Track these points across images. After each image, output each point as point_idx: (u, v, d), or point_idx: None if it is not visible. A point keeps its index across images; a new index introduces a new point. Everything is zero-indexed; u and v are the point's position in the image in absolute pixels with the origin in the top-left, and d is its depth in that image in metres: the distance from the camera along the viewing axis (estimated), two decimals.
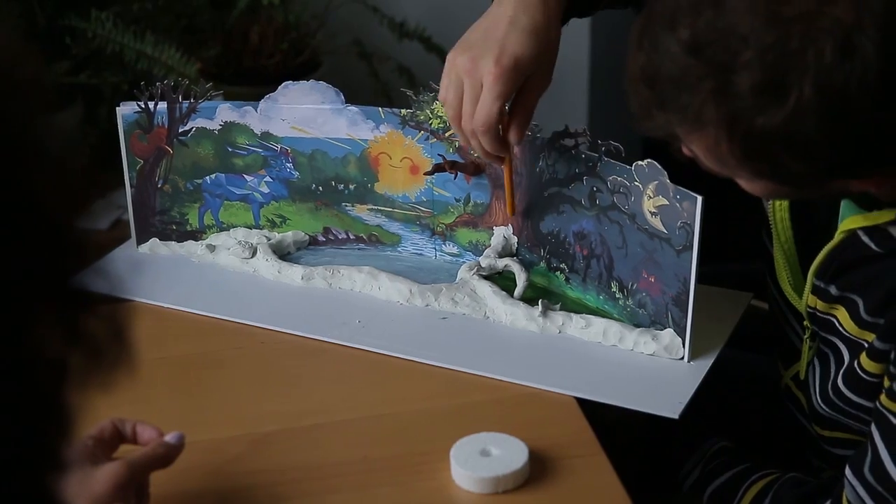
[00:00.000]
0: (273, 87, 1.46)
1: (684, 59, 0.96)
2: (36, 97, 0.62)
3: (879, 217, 1.11)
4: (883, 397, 1.11)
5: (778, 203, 1.25)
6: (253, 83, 2.13)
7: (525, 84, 1.23)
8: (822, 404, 1.22)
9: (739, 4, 0.94)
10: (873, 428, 1.12)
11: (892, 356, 1.11)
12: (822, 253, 1.17)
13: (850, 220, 1.14)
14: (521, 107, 1.24)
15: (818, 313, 1.20)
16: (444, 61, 2.28)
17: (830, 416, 1.22)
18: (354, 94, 1.48)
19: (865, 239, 1.12)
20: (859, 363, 1.15)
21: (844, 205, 1.16)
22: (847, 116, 0.93)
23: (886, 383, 1.12)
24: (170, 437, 1.05)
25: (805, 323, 1.24)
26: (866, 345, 1.15)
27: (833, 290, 1.17)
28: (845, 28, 0.91)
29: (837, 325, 1.18)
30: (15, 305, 0.58)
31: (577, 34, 2.52)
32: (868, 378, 1.14)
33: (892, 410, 1.10)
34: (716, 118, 0.97)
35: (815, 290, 1.19)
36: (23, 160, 0.59)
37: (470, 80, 1.22)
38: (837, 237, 1.15)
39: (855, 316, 1.16)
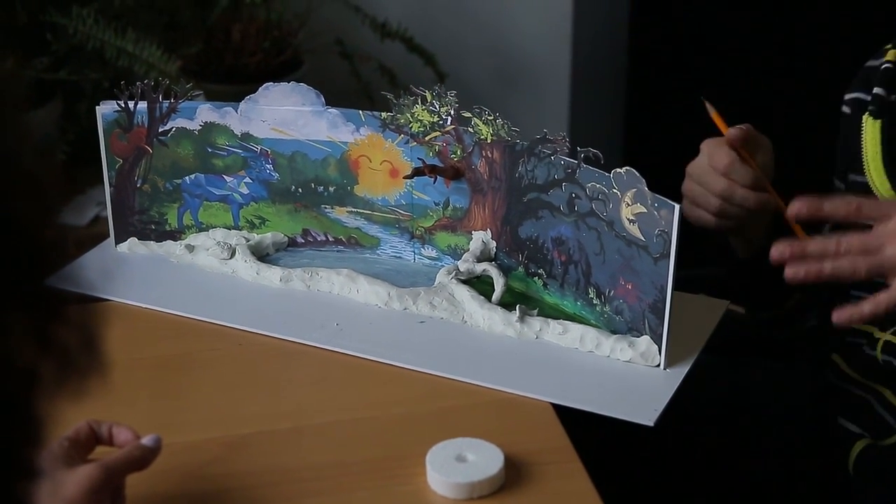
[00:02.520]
0: (254, 85, 1.46)
1: None
2: (6, 101, 0.62)
3: None
4: None
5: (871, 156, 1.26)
6: (234, 81, 2.14)
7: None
8: None
9: None
10: None
11: None
12: None
13: None
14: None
15: None
16: (426, 62, 2.30)
17: None
18: (336, 94, 1.49)
19: None
20: None
21: None
22: None
23: None
24: (146, 440, 1.05)
25: None
26: None
27: None
28: None
29: None
30: None
31: (559, 40, 2.53)
32: None
33: None
34: None
35: None
36: None
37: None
38: None
39: None
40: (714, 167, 1.27)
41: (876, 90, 1.34)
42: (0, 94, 0.63)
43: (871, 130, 1.31)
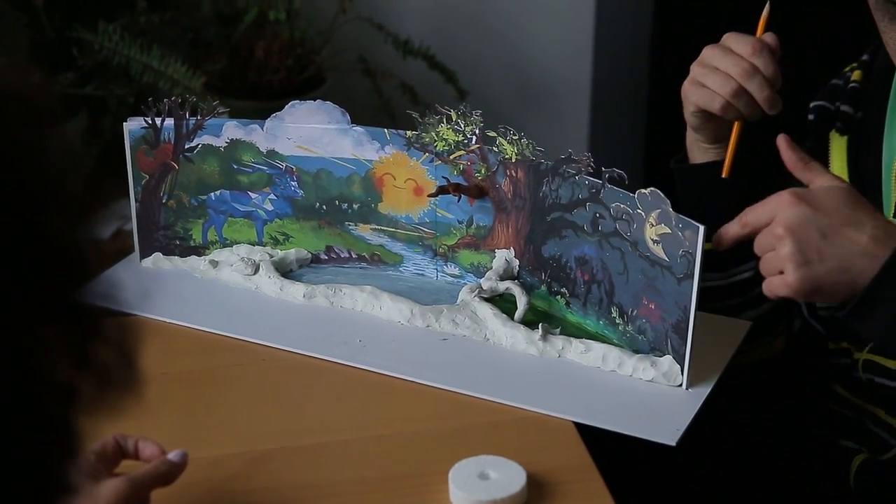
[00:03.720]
0: (277, 102, 1.48)
1: None
2: (39, 116, 0.63)
3: None
4: None
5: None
6: (257, 98, 2.15)
7: None
8: None
9: None
10: None
11: None
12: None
13: None
14: None
15: None
16: (447, 79, 2.31)
17: None
18: (357, 111, 1.50)
19: None
20: None
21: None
22: None
23: None
24: (172, 455, 1.06)
25: None
26: None
27: None
28: None
29: None
30: (20, 328, 0.59)
31: (580, 58, 2.54)
32: None
33: None
34: None
35: None
36: (24, 183, 0.60)
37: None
38: None
39: None
40: (738, 51, 1.25)
41: (843, 108, 1.34)
42: (35, 109, 0.64)
43: (837, 147, 1.31)
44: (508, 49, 2.51)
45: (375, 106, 2.28)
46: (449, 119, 1.40)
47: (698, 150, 1.35)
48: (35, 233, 0.60)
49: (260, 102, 2.11)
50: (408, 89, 2.33)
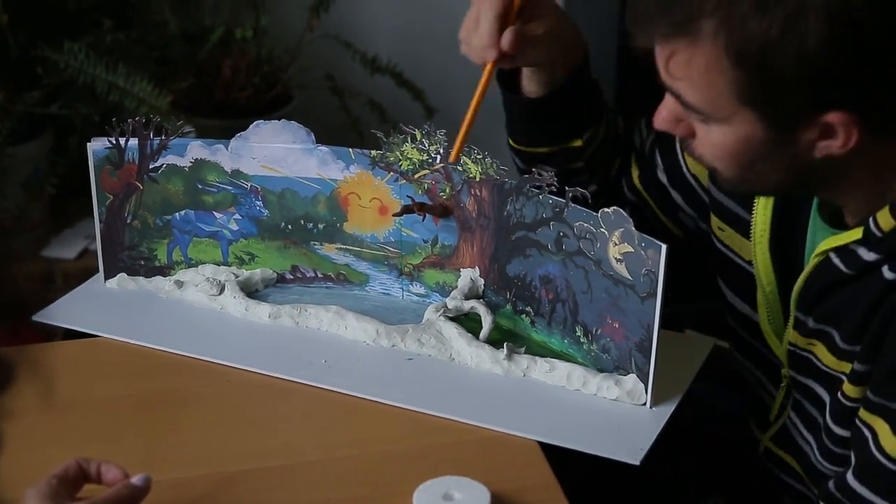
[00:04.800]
0: (244, 120, 1.47)
1: None
2: None
3: (848, 237, 1.13)
4: (860, 410, 1.14)
5: (758, 237, 1.26)
6: (224, 116, 2.16)
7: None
8: (823, 461, 1.23)
9: None
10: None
11: (872, 372, 1.13)
12: (800, 281, 1.20)
13: (825, 243, 1.16)
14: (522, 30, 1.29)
15: (798, 350, 1.22)
16: (415, 97, 2.31)
17: (835, 472, 1.22)
18: (325, 129, 1.50)
19: (836, 261, 1.15)
20: (843, 393, 1.17)
21: (818, 229, 1.18)
22: (847, 18, 0.96)
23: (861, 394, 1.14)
24: (136, 479, 1.05)
25: (783, 371, 1.26)
26: (843, 377, 1.16)
27: (811, 322, 1.19)
28: None
29: (815, 360, 1.20)
30: None
31: None
32: (853, 405, 1.16)
33: (864, 420, 1.12)
34: (713, 23, 1.00)
35: (797, 324, 1.21)
36: None
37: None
38: (812, 262, 1.18)
39: (832, 348, 1.17)
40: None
41: None
42: None
43: (763, 202, 1.28)
44: (476, 67, 2.52)
45: (343, 124, 2.29)
46: (413, 138, 1.41)
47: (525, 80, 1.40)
48: None
49: (227, 121, 2.12)
50: (376, 107, 2.34)
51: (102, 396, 1.32)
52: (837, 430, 1.19)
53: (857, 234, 1.12)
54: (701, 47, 1.03)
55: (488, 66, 1.32)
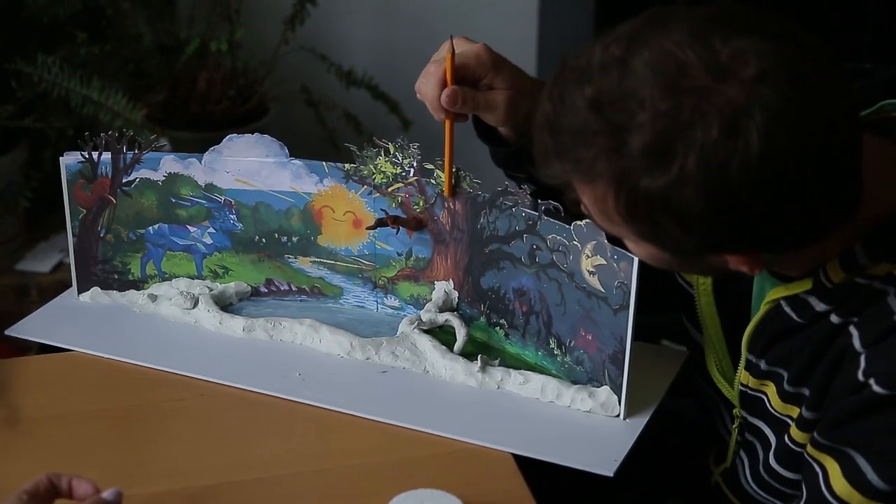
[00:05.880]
0: (220, 132, 1.47)
1: (585, 114, 1.00)
2: None
3: (798, 287, 1.14)
4: (808, 447, 1.14)
5: (701, 286, 1.27)
6: (200, 129, 2.15)
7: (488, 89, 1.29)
8: (756, 488, 1.25)
9: (643, 71, 0.98)
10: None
11: (820, 417, 1.13)
12: (751, 325, 1.20)
13: (774, 292, 1.17)
14: (472, 90, 1.29)
15: (749, 391, 1.23)
16: (391, 109, 2.32)
17: (766, 500, 1.24)
18: (301, 141, 1.50)
19: (788, 310, 1.16)
20: (790, 437, 1.18)
21: (765, 278, 1.19)
22: (724, 193, 0.97)
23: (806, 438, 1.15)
24: (106, 494, 1.05)
25: (735, 411, 1.26)
26: (791, 421, 1.17)
27: (763, 364, 1.20)
28: (735, 109, 0.95)
29: (766, 402, 1.21)
30: None
31: None
32: (799, 450, 1.17)
33: (814, 457, 1.12)
34: (606, 174, 1.01)
35: (748, 366, 1.22)
36: None
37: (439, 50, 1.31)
38: (763, 308, 1.18)
39: (780, 390, 1.18)
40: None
41: None
42: None
43: None
44: None
45: (319, 136, 2.29)
46: (387, 152, 1.41)
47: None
48: None
49: (203, 133, 2.12)
50: (351, 119, 2.34)
51: (75, 411, 1.32)
52: (778, 468, 1.21)
53: (806, 284, 1.13)
54: (597, 188, 1.03)
55: (446, 125, 1.34)
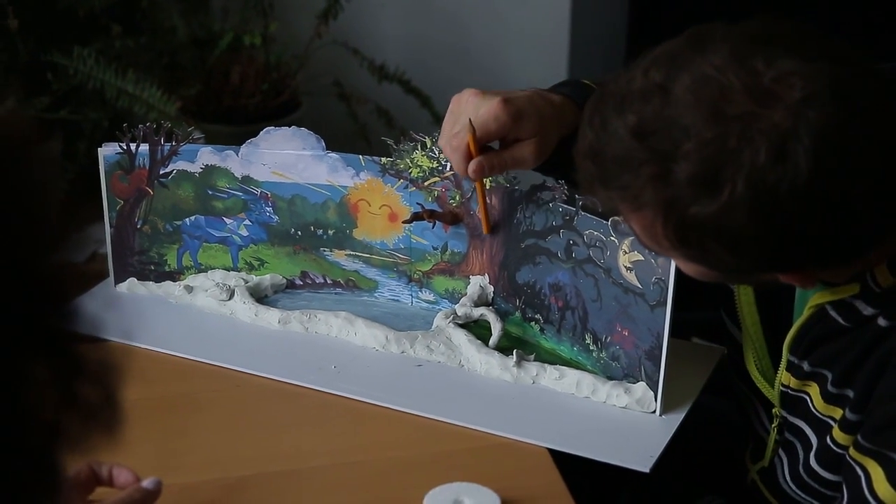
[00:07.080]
0: (252, 126, 1.48)
1: (629, 142, 1.00)
2: (14, 143, 0.63)
3: (845, 291, 1.14)
4: (850, 450, 1.14)
5: (742, 288, 1.27)
6: (232, 122, 2.15)
7: (514, 141, 1.26)
8: (794, 488, 1.24)
9: (685, 97, 0.97)
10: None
11: (864, 420, 1.13)
12: (794, 328, 1.20)
13: (818, 296, 1.16)
14: (497, 153, 1.26)
15: (791, 391, 1.22)
16: (423, 104, 2.31)
17: (804, 501, 1.24)
18: (333, 135, 1.50)
19: (833, 314, 1.15)
20: (832, 439, 1.17)
21: None
22: (775, 216, 0.97)
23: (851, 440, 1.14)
24: (146, 483, 1.06)
25: (774, 410, 1.26)
26: (833, 422, 1.17)
27: (806, 365, 1.20)
28: (781, 133, 0.94)
29: (809, 403, 1.20)
30: (4, 361, 0.59)
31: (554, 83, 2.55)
32: (841, 452, 1.16)
33: (856, 460, 1.12)
34: (653, 202, 1.00)
35: (790, 367, 1.21)
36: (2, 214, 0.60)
37: (454, 107, 1.28)
38: (807, 312, 1.18)
39: (824, 391, 1.18)
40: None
41: None
42: (9, 136, 0.64)
43: None
44: (484, 74, 2.52)
45: (351, 130, 2.29)
46: (423, 146, 1.41)
47: None
48: (13, 262, 0.60)
49: (235, 127, 2.11)
50: (383, 113, 2.34)
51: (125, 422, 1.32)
52: (819, 469, 1.21)
53: (853, 289, 1.13)
54: (644, 215, 1.03)
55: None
